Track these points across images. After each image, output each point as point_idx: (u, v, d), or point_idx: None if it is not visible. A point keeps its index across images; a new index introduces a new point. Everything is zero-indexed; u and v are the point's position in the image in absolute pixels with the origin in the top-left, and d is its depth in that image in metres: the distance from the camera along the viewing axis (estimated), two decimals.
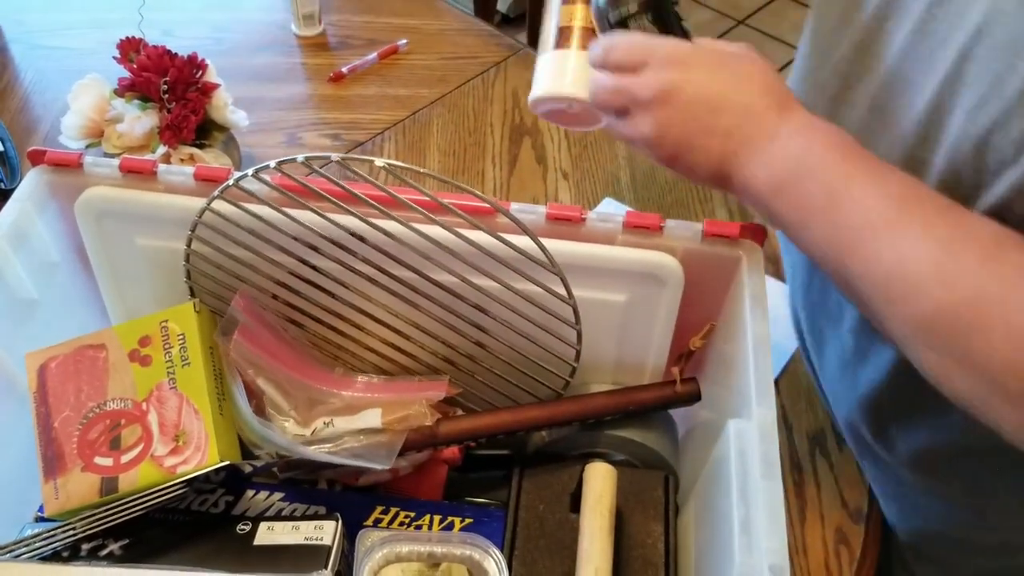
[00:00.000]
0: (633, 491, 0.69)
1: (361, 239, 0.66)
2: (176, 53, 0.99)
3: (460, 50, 1.32)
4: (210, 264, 0.69)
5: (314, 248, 0.67)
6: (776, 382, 0.91)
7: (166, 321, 0.67)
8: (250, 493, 0.69)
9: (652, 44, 0.57)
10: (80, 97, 1.00)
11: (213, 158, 0.99)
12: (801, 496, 0.83)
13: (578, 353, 0.70)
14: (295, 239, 0.67)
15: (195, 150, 0.97)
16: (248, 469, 0.69)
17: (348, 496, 0.71)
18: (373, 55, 1.29)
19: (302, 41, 1.33)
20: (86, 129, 1.00)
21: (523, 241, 0.63)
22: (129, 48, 1.02)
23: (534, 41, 1.71)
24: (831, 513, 0.82)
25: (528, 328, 0.68)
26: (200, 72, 1.00)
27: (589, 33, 0.64)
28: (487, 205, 0.64)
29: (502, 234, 0.64)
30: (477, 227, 0.63)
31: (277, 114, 1.21)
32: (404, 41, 1.31)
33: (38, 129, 1.18)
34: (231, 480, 0.69)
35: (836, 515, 0.82)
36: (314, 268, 0.68)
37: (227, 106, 1.02)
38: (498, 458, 0.74)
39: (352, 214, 0.65)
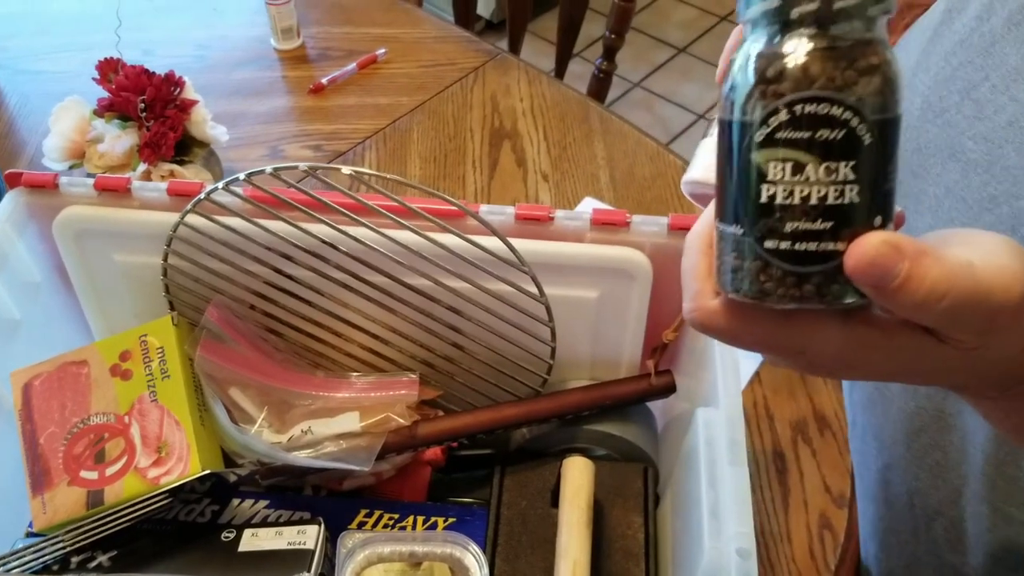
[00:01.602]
0: (613, 484, 0.70)
1: (334, 247, 0.67)
2: (154, 72, 1.01)
3: (438, 57, 1.33)
4: (188, 277, 0.70)
5: (289, 257, 0.68)
6: (758, 372, 0.92)
7: (145, 335, 0.69)
8: (235, 502, 0.70)
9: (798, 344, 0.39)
10: (61, 119, 1.01)
11: (194, 174, 1.00)
12: (784, 484, 0.84)
13: (553, 350, 0.71)
14: (269, 249, 0.68)
15: (175, 167, 0.99)
16: (232, 478, 0.70)
17: (332, 501, 0.72)
18: (352, 65, 1.30)
19: (282, 54, 1.34)
20: (68, 150, 1.01)
21: (493, 242, 0.65)
22: (108, 69, 1.03)
23: (515, 47, 1.72)
24: (814, 499, 0.83)
25: (503, 328, 0.69)
26: (178, 89, 1.01)
27: None
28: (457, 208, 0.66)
29: (474, 236, 0.65)
30: (447, 230, 0.64)
31: (259, 128, 1.22)
32: (383, 50, 1.32)
33: (23, 153, 1.19)
34: (217, 489, 0.70)
35: (819, 501, 0.82)
36: (290, 277, 0.69)
37: (206, 122, 1.03)
38: (481, 458, 0.75)
39: (324, 222, 0.66)
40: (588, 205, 1.10)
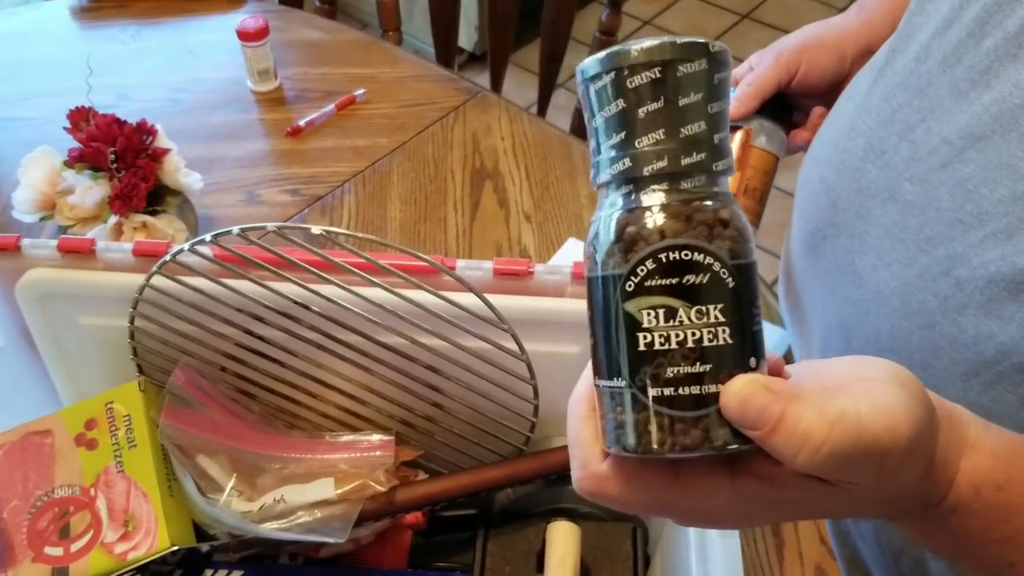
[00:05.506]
0: (600, 546, 0.68)
1: (305, 306, 0.65)
2: (126, 121, 0.98)
3: (418, 96, 1.31)
4: (156, 340, 0.68)
5: (259, 318, 0.66)
6: None
7: (111, 402, 0.66)
8: (208, 572, 0.67)
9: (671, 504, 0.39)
10: (30, 171, 0.99)
11: (167, 224, 0.98)
12: (778, 535, 0.81)
13: (536, 408, 0.68)
14: (239, 310, 0.66)
15: (147, 218, 0.96)
16: (205, 549, 0.67)
17: (310, 570, 0.69)
18: (331, 107, 1.28)
19: (258, 96, 1.32)
20: (38, 203, 0.98)
21: (471, 299, 0.62)
22: (79, 117, 1.01)
23: (497, 79, 1.71)
24: (809, 550, 0.80)
25: (484, 386, 0.67)
26: (150, 138, 0.99)
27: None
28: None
29: (451, 293, 0.62)
30: (420, 287, 0.62)
31: (236, 172, 1.20)
32: (361, 91, 1.30)
33: None
34: (189, 561, 0.67)
35: (814, 552, 0.80)
36: (260, 338, 0.67)
37: (179, 170, 1.01)
38: (464, 518, 0.73)
39: (294, 282, 0.63)
40: (572, 247, 1.08)
